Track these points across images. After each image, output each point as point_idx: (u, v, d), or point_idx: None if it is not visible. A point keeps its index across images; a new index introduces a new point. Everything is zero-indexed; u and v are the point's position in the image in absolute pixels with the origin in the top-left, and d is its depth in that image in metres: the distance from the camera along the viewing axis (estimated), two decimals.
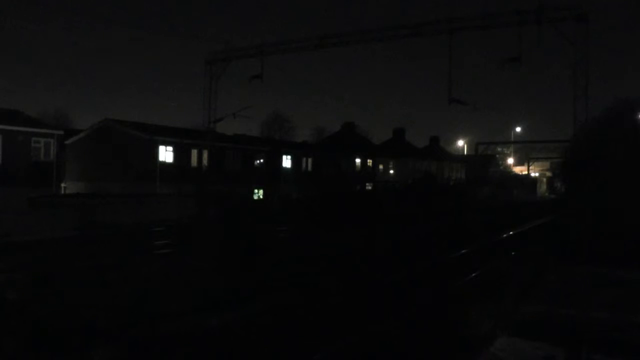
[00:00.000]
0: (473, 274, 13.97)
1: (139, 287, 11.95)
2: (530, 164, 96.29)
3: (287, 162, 48.80)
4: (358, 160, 59.05)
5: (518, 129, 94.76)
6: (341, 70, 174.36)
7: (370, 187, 58.30)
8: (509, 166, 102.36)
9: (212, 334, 8.65)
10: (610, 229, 16.46)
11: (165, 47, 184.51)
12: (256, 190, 44.57)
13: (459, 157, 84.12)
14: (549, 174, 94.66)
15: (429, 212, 36.29)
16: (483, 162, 76.57)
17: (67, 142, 40.03)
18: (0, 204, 24.26)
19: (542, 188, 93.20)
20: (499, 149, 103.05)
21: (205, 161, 38.50)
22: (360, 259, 16.68)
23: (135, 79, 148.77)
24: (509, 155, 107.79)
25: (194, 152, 40.22)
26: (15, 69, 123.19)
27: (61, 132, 36.64)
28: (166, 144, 38.57)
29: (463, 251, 18.40)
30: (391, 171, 65.44)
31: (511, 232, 25.66)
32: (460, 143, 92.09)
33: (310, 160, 51.71)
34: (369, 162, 61.00)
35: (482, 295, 11.59)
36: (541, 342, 7.94)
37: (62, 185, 38.30)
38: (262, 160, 46.75)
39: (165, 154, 38.52)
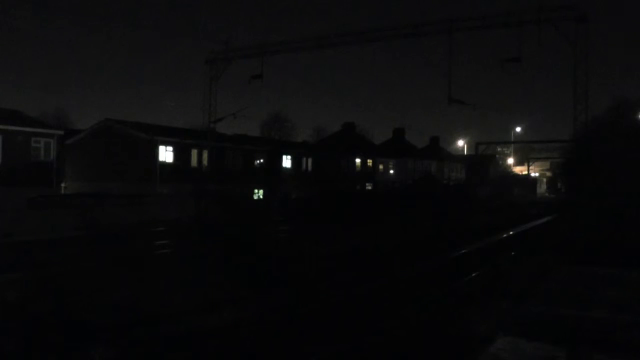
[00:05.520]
0: (473, 274, 13.96)
1: (139, 287, 11.93)
2: (530, 164, 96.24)
3: (287, 162, 48.76)
4: (358, 160, 59.00)
5: (518, 129, 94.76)
6: (341, 70, 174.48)
7: (370, 187, 58.23)
8: (509, 166, 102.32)
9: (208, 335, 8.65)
10: (611, 229, 16.46)
11: (166, 47, 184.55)
12: (256, 190, 44.51)
13: (459, 157, 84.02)
14: (549, 174, 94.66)
15: (429, 212, 36.22)
16: (483, 162, 76.42)
17: (67, 142, 39.95)
18: (0, 204, 24.21)
19: (542, 188, 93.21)
20: (499, 149, 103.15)
21: (205, 161, 38.42)
22: (359, 259, 16.67)
23: (135, 79, 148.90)
24: (509, 155, 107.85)
25: (194, 152, 40.19)
26: (15, 69, 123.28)
27: (61, 132, 36.55)
28: (166, 144, 38.54)
29: (463, 251, 18.39)
30: (391, 171, 65.40)
31: (511, 232, 25.65)
32: (460, 143, 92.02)
33: (310, 160, 51.66)
34: (369, 162, 60.96)
35: (483, 295, 11.57)
36: (541, 342, 7.93)
37: (62, 185, 38.21)
38: (262, 160, 46.70)
39: (165, 154, 38.47)
